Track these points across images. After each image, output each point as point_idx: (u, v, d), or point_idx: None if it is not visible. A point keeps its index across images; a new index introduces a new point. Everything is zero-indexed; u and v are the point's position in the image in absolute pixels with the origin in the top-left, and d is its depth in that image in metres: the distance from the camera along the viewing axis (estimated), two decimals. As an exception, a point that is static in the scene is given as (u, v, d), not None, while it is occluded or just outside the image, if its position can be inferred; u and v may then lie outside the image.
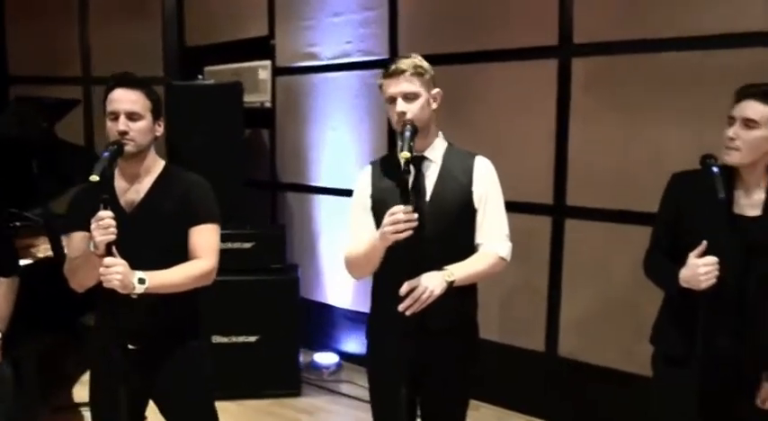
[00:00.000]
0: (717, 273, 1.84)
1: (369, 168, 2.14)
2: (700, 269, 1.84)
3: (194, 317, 2.13)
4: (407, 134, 1.86)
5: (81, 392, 3.62)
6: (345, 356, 4.28)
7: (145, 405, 2.15)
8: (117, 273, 1.77)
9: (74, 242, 2.00)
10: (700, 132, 2.79)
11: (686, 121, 2.93)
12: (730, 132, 1.92)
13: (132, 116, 1.92)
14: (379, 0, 3.95)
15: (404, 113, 1.93)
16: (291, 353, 3.84)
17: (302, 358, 3.97)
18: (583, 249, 3.33)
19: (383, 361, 2.08)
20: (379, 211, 2.03)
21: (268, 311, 3.76)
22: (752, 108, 1.89)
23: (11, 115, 3.40)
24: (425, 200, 2.00)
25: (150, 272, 1.85)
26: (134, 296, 1.84)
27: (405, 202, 1.80)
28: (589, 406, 3.35)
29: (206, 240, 2.00)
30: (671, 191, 2.10)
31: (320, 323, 4.38)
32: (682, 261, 1.91)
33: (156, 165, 2.05)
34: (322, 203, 4.38)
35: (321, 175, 4.36)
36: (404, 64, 1.95)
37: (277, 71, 4.50)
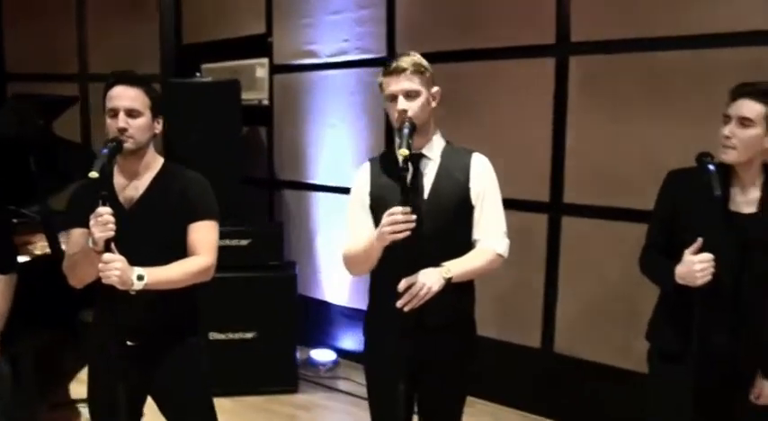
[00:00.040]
0: (712, 269, 1.85)
1: (367, 165, 2.15)
2: (695, 266, 1.85)
3: (193, 313, 2.14)
4: (406, 131, 1.87)
5: (78, 389, 3.62)
6: (342, 353, 4.29)
7: (143, 401, 2.16)
8: (116, 269, 1.78)
9: (73, 238, 2.00)
10: (696, 130, 2.80)
11: (682, 120, 2.94)
12: (726, 131, 1.93)
13: (132, 113, 1.93)
14: (377, -2, 3.96)
15: (405, 111, 1.93)
16: (288, 349, 3.85)
17: (299, 355, 3.98)
18: (579, 246, 3.34)
19: (381, 357, 2.09)
20: (377, 208, 2.05)
21: (265, 308, 3.77)
22: (747, 107, 1.90)
23: (8, 113, 3.39)
24: (423, 197, 2.01)
25: (149, 268, 1.86)
26: (133, 292, 1.84)
27: (404, 202, 1.81)
28: (585, 402, 3.37)
29: (205, 237, 2.00)
30: (667, 188, 2.11)
31: (317, 320, 4.39)
32: (678, 258, 1.92)
33: (155, 163, 2.05)
34: (319, 201, 4.39)
35: (319, 173, 4.37)
36: (405, 62, 1.96)
37: (274, 69, 4.51)
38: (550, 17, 3.32)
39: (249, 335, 3.76)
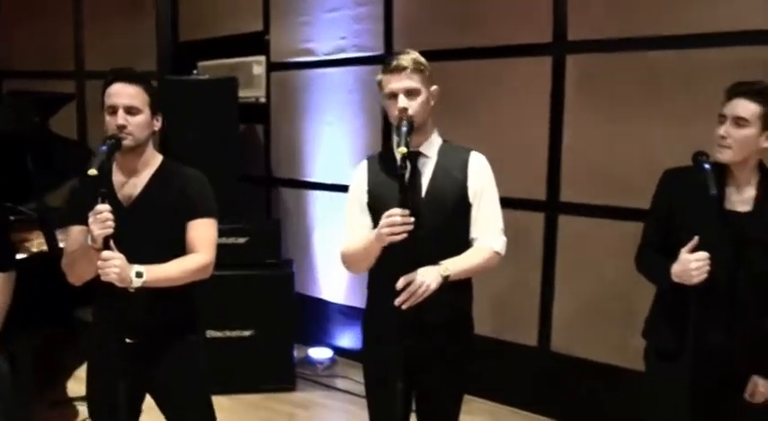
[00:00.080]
0: (708, 268, 1.86)
1: (365, 163, 2.16)
2: (691, 264, 1.86)
3: (191, 311, 2.14)
4: (404, 129, 1.88)
5: (76, 387, 3.62)
6: (339, 351, 4.30)
7: (142, 399, 2.16)
8: (114, 266, 1.78)
9: (72, 236, 2.00)
10: (691, 129, 2.81)
11: (678, 119, 2.95)
12: (721, 131, 1.94)
13: (131, 110, 1.92)
14: (374, -4, 3.97)
15: (405, 109, 1.94)
16: (286, 347, 3.86)
17: (296, 353, 3.98)
18: (576, 245, 3.36)
19: (379, 355, 2.10)
20: (375, 206, 2.05)
21: (263, 306, 3.77)
22: (742, 106, 1.91)
23: (5, 109, 3.39)
24: (421, 195, 2.01)
25: (148, 265, 1.86)
26: (132, 289, 1.84)
27: (402, 201, 1.81)
28: (582, 400, 3.38)
29: (203, 234, 2.01)
30: (663, 187, 2.12)
31: (315, 318, 4.40)
32: (674, 256, 1.93)
33: (153, 160, 2.05)
34: (316, 199, 4.39)
35: (316, 171, 4.37)
36: (405, 60, 1.96)
37: (272, 66, 4.51)
38: (547, 16, 3.33)
39: (246, 334, 3.77)
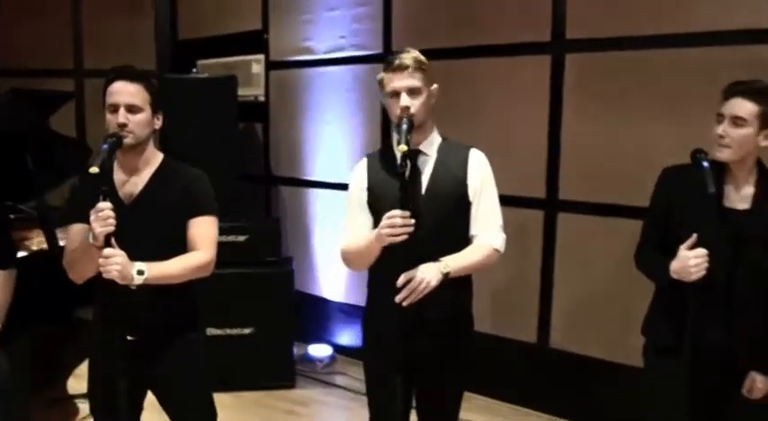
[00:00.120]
0: (706, 265, 1.87)
1: (365, 161, 2.16)
2: (690, 261, 1.87)
3: (193, 308, 2.15)
4: (404, 127, 1.89)
5: (75, 384, 3.63)
6: (339, 349, 4.30)
7: (143, 396, 2.17)
8: (116, 264, 1.79)
9: (73, 234, 2.01)
10: (690, 128, 2.82)
11: (677, 117, 2.96)
12: (719, 130, 1.95)
13: (132, 108, 1.93)
14: (374, -5, 3.97)
15: (408, 108, 1.95)
16: (286, 345, 3.87)
17: (296, 350, 3.99)
18: (574, 242, 3.37)
19: (380, 352, 2.10)
20: (375, 204, 2.06)
21: (262, 304, 3.78)
22: (739, 106, 1.92)
23: (5, 108, 3.39)
24: (421, 193, 2.02)
25: (149, 263, 1.87)
26: (133, 287, 1.85)
27: (403, 199, 1.82)
28: (581, 397, 3.40)
29: (205, 232, 2.01)
30: (662, 185, 2.13)
31: (314, 316, 4.40)
32: (672, 254, 1.94)
33: (154, 158, 2.06)
34: (316, 197, 4.40)
35: (315, 169, 4.37)
36: (408, 59, 1.97)
37: (271, 65, 4.51)
38: (546, 15, 3.33)
39: (246, 331, 3.78)
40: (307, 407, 3.68)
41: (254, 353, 3.77)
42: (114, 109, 1.93)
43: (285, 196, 4.58)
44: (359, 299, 3.93)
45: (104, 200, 1.78)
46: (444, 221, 2.01)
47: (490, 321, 3.55)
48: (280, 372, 3.86)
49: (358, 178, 2.13)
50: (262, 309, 3.78)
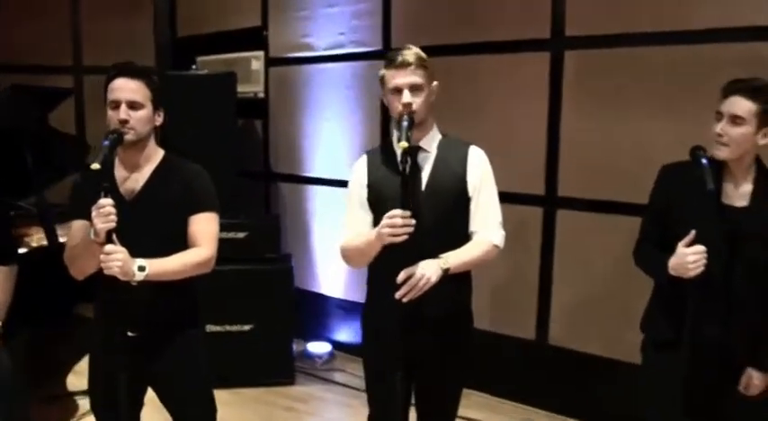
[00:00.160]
0: (705, 261, 1.88)
1: (364, 158, 2.17)
2: (688, 257, 1.88)
3: (193, 305, 2.16)
4: (405, 124, 1.90)
5: (75, 381, 3.64)
6: (338, 345, 4.31)
7: (143, 392, 2.17)
8: (117, 260, 1.79)
9: (74, 230, 2.01)
10: (689, 125, 2.82)
11: (676, 114, 2.97)
12: (718, 129, 1.95)
13: (133, 105, 1.93)
14: (373, -8, 3.97)
15: (410, 105, 1.95)
16: (285, 342, 3.87)
17: (295, 347, 4.00)
18: (573, 239, 3.37)
19: (380, 348, 2.11)
20: (375, 200, 2.07)
21: (262, 301, 3.79)
22: (738, 105, 1.92)
23: (5, 104, 3.39)
24: (421, 189, 2.03)
25: (150, 259, 1.87)
26: (134, 283, 1.85)
27: (403, 199, 1.83)
28: (579, 393, 3.41)
29: (205, 228, 2.02)
30: (661, 182, 2.14)
31: (313, 312, 4.41)
32: (671, 250, 1.94)
33: (155, 155, 2.06)
34: (315, 194, 4.40)
35: (314, 166, 4.38)
36: (410, 56, 1.97)
37: (270, 61, 4.51)
38: (546, 12, 3.33)
39: (246, 328, 3.78)
40: (306, 404, 3.69)
41: (253, 349, 3.77)
42: (115, 105, 1.93)
43: (284, 193, 4.59)
44: (358, 296, 3.94)
45: (106, 196, 1.79)
46: (444, 218, 2.02)
47: (489, 318, 3.56)
48: (279, 369, 3.87)
49: (358, 175, 2.14)
50: (261, 305, 3.78)
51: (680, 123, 2.92)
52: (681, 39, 2.94)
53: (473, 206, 2.07)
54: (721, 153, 1.95)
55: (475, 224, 2.07)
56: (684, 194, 2.00)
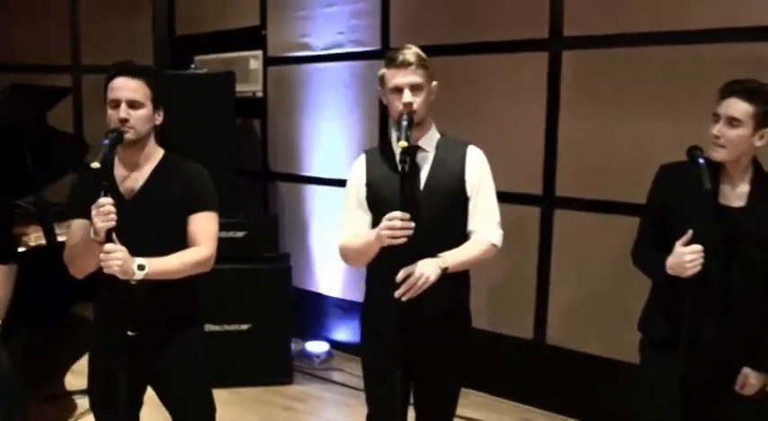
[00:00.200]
0: (701, 260, 1.89)
1: (363, 157, 2.17)
2: (685, 257, 1.89)
3: (192, 303, 2.16)
4: (404, 124, 1.90)
5: (73, 380, 3.63)
6: (336, 345, 4.32)
7: (143, 391, 2.18)
8: (117, 259, 1.79)
9: (74, 229, 2.01)
10: (686, 125, 2.83)
11: (673, 115, 2.98)
12: (715, 130, 1.95)
13: (133, 104, 1.93)
14: (372, -9, 3.97)
15: (411, 104, 1.96)
16: (283, 341, 3.87)
17: (293, 346, 4.00)
18: (571, 239, 3.38)
19: (378, 348, 2.12)
20: (374, 199, 2.08)
21: (260, 300, 3.79)
22: (735, 107, 1.92)
23: (5, 103, 3.38)
24: (420, 189, 2.03)
25: (150, 258, 1.88)
26: (134, 282, 1.86)
27: (403, 204, 1.84)
28: (577, 393, 3.42)
29: (205, 228, 2.02)
30: (659, 182, 2.14)
31: (311, 312, 4.41)
32: (669, 250, 1.95)
33: (155, 154, 2.06)
34: (314, 193, 4.40)
35: (313, 165, 4.38)
36: (410, 56, 1.98)
37: (268, 61, 4.51)
38: (544, 12, 3.34)
39: (244, 327, 3.78)
40: (304, 403, 3.69)
41: (251, 349, 3.78)
42: (116, 104, 1.93)
43: (283, 192, 4.59)
44: (356, 295, 3.95)
45: (105, 195, 1.79)
46: (442, 217, 2.03)
47: (487, 317, 3.56)
48: (277, 368, 3.87)
49: (357, 174, 2.14)
50: (259, 305, 3.79)
51: (678, 123, 2.93)
52: (679, 39, 2.95)
53: (471, 205, 2.08)
54: (718, 154, 1.96)
55: (473, 223, 2.08)
56: (682, 194, 2.01)
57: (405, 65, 1.97)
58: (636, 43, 3.08)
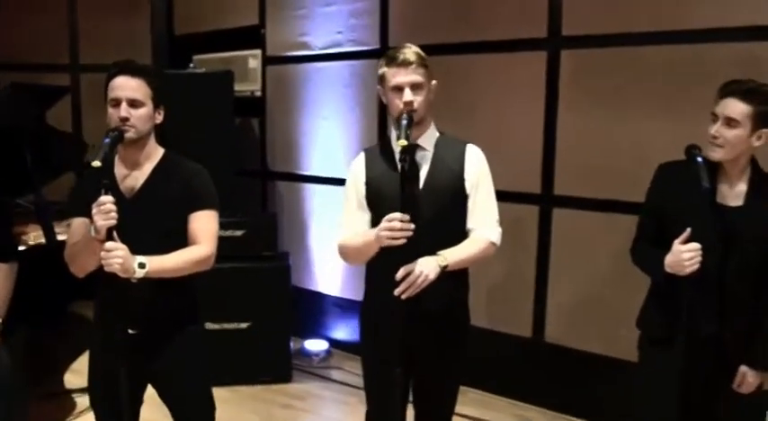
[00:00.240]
0: (699, 258, 1.90)
1: (362, 155, 2.18)
2: (683, 255, 1.90)
3: (193, 302, 2.16)
4: (404, 122, 1.91)
5: (72, 379, 3.64)
6: (335, 343, 4.33)
7: (143, 389, 2.18)
8: (118, 257, 1.80)
9: (74, 227, 2.02)
10: (684, 124, 2.84)
11: (671, 114, 2.99)
12: (713, 130, 1.96)
13: (134, 103, 1.94)
14: (371, -10, 3.98)
15: (411, 103, 1.97)
16: (282, 339, 3.88)
17: (292, 345, 4.01)
18: (569, 237, 3.39)
19: (378, 345, 2.13)
20: (373, 197, 2.09)
21: (259, 298, 3.79)
22: (732, 107, 1.93)
23: (5, 102, 3.39)
24: (419, 187, 2.04)
25: (150, 256, 1.88)
26: (134, 280, 1.86)
27: (403, 203, 1.85)
28: (576, 391, 3.43)
29: (205, 226, 2.02)
30: (657, 181, 2.15)
31: (310, 310, 4.42)
32: (668, 248, 1.96)
33: (155, 153, 2.07)
34: (312, 192, 4.41)
35: (312, 164, 4.39)
36: (411, 55, 1.99)
37: (267, 60, 4.52)
38: (542, 11, 3.35)
39: (243, 326, 3.79)
40: (303, 401, 3.70)
41: (250, 347, 3.78)
42: (116, 103, 1.94)
43: (282, 191, 4.59)
44: (355, 293, 3.96)
45: (106, 193, 1.80)
46: (442, 215, 2.04)
47: (485, 315, 3.57)
48: (276, 367, 3.88)
49: (356, 172, 2.15)
50: (258, 303, 3.79)
51: (677, 123, 2.93)
52: (677, 38, 2.96)
53: (470, 204, 2.09)
54: (716, 154, 1.97)
55: (472, 221, 2.08)
56: (680, 193, 2.02)
57: (406, 64, 1.98)
58: (634, 43, 3.08)
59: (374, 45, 3.98)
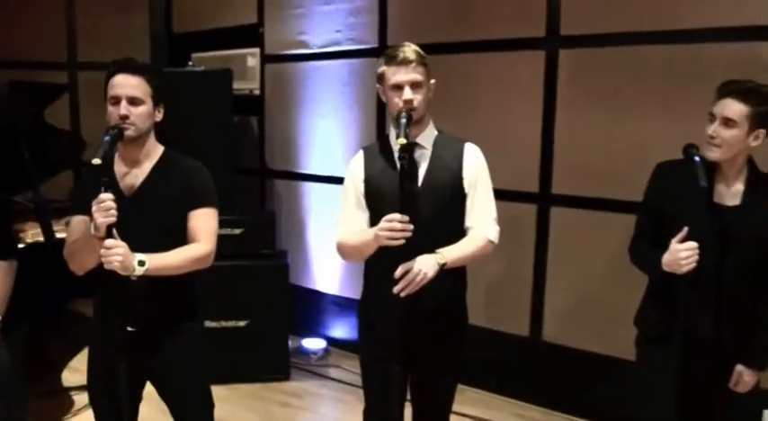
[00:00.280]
0: (697, 257, 1.91)
1: (361, 154, 2.19)
2: (681, 254, 1.91)
3: (192, 300, 2.17)
4: (403, 121, 1.92)
5: (70, 377, 3.64)
6: (333, 341, 4.33)
7: (142, 386, 2.18)
8: (117, 254, 1.80)
9: (74, 225, 2.02)
10: (682, 124, 2.85)
11: (670, 113, 3.00)
12: (710, 130, 1.97)
13: (133, 101, 1.94)
14: (369, -11, 3.98)
15: (411, 101, 1.98)
16: (281, 338, 3.88)
17: (290, 343, 4.01)
18: (567, 236, 3.40)
19: (377, 343, 2.13)
20: (372, 195, 2.09)
21: (257, 297, 3.80)
22: (730, 107, 1.94)
23: (4, 100, 3.39)
24: (418, 185, 2.05)
25: (150, 254, 1.88)
26: (134, 278, 1.87)
27: (402, 203, 1.86)
28: (573, 390, 3.44)
29: (205, 224, 2.03)
30: (655, 180, 2.16)
31: (308, 309, 4.43)
32: (665, 247, 1.97)
33: (155, 150, 2.07)
34: (311, 190, 4.41)
35: (310, 163, 4.39)
36: (410, 53, 1.99)
37: (266, 58, 4.52)
38: (541, 10, 3.36)
39: (241, 324, 3.79)
40: (301, 399, 3.71)
41: (249, 345, 3.78)
42: (116, 101, 1.94)
43: (280, 189, 4.60)
44: (353, 292, 3.96)
45: (106, 191, 1.80)
46: (440, 213, 2.05)
47: (483, 314, 3.58)
48: (274, 365, 3.88)
49: (355, 170, 2.16)
50: (256, 302, 3.79)
51: (676, 123, 2.94)
52: (676, 38, 2.97)
53: (469, 202, 2.09)
54: (713, 154, 1.98)
55: (470, 220, 2.09)
56: (678, 192, 2.03)
57: (405, 62, 1.98)
58: (633, 42, 3.09)
59: (373, 44, 3.98)
